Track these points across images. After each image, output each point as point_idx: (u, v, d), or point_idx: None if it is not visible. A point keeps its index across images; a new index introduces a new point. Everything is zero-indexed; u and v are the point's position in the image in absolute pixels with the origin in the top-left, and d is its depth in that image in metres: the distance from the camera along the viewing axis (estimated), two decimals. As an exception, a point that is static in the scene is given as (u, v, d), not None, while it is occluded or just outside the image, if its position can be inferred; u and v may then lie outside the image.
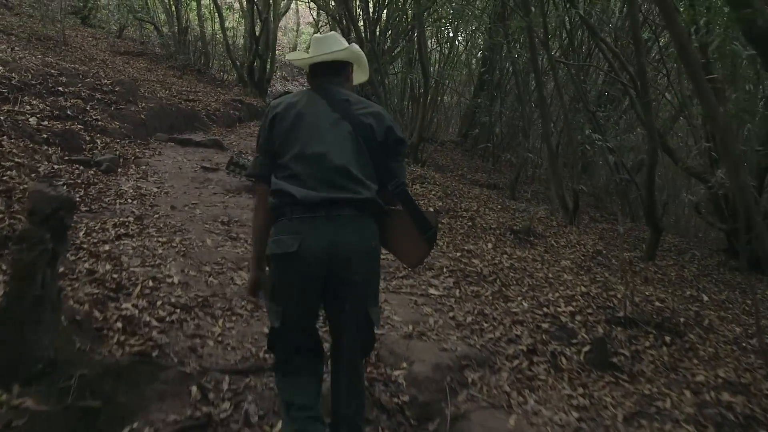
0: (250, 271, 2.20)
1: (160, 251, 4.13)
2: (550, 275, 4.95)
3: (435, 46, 15.59)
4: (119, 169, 6.42)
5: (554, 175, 8.02)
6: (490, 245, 5.92)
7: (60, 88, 7.64)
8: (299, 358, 2.08)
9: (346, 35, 16.31)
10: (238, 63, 16.40)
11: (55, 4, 17.05)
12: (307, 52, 2.21)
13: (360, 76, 2.32)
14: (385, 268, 4.39)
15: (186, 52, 15.82)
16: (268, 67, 16.21)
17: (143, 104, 8.55)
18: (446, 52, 14.92)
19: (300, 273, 1.94)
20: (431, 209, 6.78)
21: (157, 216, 4.99)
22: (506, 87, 14.04)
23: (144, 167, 6.73)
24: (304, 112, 2.03)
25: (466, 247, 5.60)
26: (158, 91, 10.62)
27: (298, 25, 27.72)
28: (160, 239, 4.38)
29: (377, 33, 16.26)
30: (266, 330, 2.90)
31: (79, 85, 7.98)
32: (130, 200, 5.32)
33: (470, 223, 6.72)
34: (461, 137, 16.03)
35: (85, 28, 16.69)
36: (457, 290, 4.24)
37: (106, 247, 3.97)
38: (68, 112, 7.17)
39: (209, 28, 17.26)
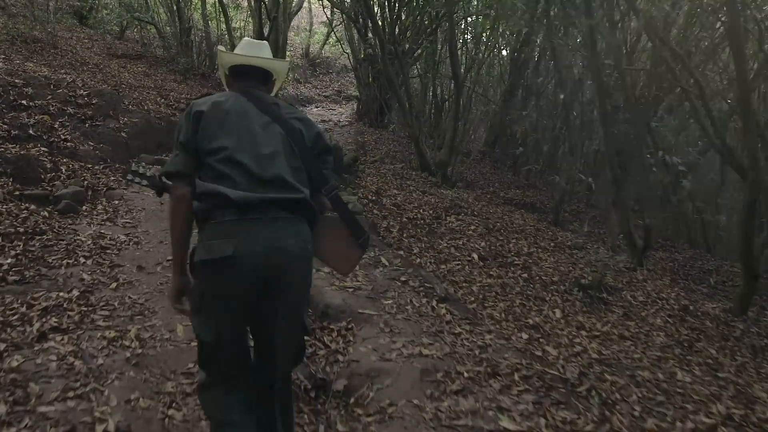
0: (172, 276, 1.94)
1: (100, 360, 2.78)
2: (661, 376, 3.52)
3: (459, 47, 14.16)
4: (83, 207, 5.10)
5: (618, 207, 6.58)
6: (558, 312, 4.52)
7: (24, 102, 6.34)
8: (235, 372, 1.93)
9: (363, 35, 15.01)
10: (245, 66, 15.05)
11: (53, 4, 15.95)
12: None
13: (276, 86, 2.22)
14: (431, 373, 3.01)
15: (189, 55, 14.54)
16: (278, 71, 14.86)
17: (125, 119, 7.24)
18: (472, 53, 13.48)
19: (235, 280, 1.78)
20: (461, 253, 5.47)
21: (114, 286, 3.65)
22: (542, 91, 12.55)
23: (116, 202, 5.41)
24: (234, 111, 1.91)
25: (530, 320, 4.20)
26: (151, 100, 9.30)
27: (311, 24, 26.42)
28: (106, 334, 3.03)
29: (396, 32, 14.95)
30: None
31: (49, 97, 6.68)
32: (83, 259, 3.98)
33: (525, 275, 5.31)
34: (488, 147, 14.59)
35: (83, 28, 15.51)
36: (543, 418, 2.84)
37: (13, 362, 2.61)
38: (30, 132, 5.87)
39: (215, 29, 15.98)
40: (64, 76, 8.16)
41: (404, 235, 5.96)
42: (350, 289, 3.86)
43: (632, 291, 5.56)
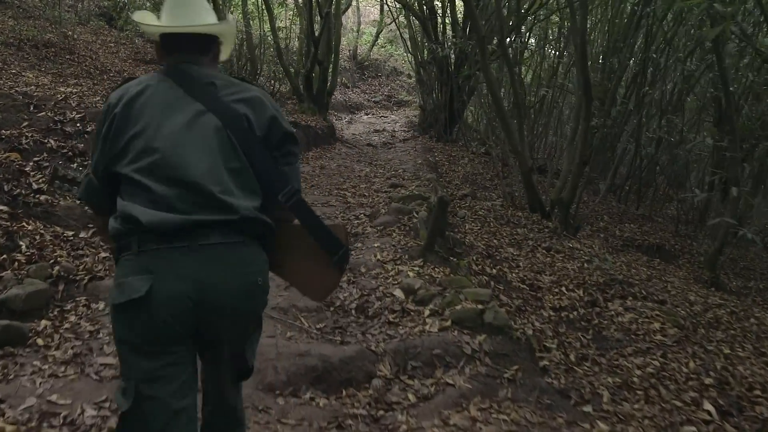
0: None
1: None
2: None
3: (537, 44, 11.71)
4: (40, 327, 2.97)
5: None
6: None
7: (-16, 133, 4.28)
8: None
9: (431, 34, 12.76)
10: (292, 71, 12.98)
11: (82, 6, 14.28)
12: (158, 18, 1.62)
13: (226, 51, 1.72)
14: None
15: (228, 58, 12.49)
16: (330, 76, 12.68)
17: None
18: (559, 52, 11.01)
19: (153, 329, 1.35)
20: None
21: None
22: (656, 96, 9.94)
23: (101, 306, 3.27)
24: (153, 104, 1.48)
25: None
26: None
27: (359, 24, 24.42)
28: None
29: (467, 30, 12.62)
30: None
31: (25, 124, 4.61)
32: None
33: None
34: (582, 164, 12.03)
35: (111, 31, 13.74)
36: None
37: None
38: (-17, 181, 3.78)
39: (257, 29, 13.96)
40: (64, 89, 6.14)
41: (569, 352, 3.63)
42: None
43: None
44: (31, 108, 4.82)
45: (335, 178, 7.87)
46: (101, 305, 3.27)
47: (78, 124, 4.84)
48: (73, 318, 3.14)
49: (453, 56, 12.24)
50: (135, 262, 1.38)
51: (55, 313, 3.19)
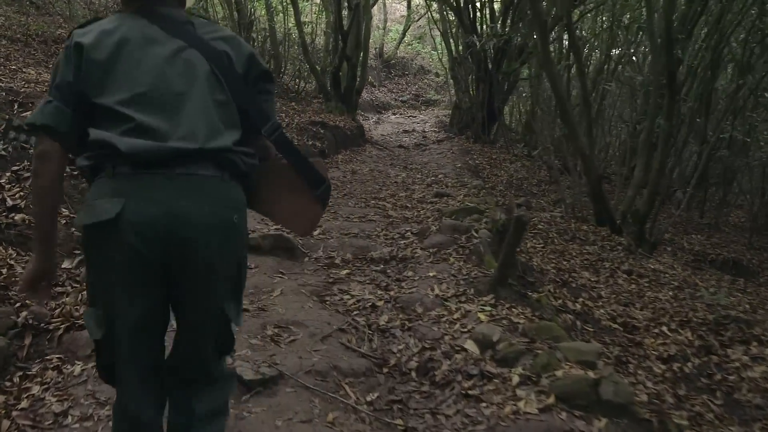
0: (32, 257, 1.49)
1: None
2: None
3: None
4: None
5: None
6: None
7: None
8: (141, 386, 1.45)
9: (467, 26, 11.80)
10: (318, 68, 12.13)
11: (99, 2, 13.68)
12: None
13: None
14: None
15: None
16: (359, 73, 11.78)
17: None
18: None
19: (124, 253, 1.32)
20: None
21: None
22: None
23: (76, 370, 2.43)
24: (129, 41, 1.42)
25: None
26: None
27: (386, 21, 23.68)
28: None
29: (509, 21, 11.63)
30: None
31: (3, 126, 3.79)
32: None
33: None
34: (660, 171, 10.89)
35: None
36: None
37: None
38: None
39: (281, 24, 13.15)
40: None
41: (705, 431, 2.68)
42: None
43: None
44: (16, 106, 4.02)
45: (369, 184, 6.99)
46: (77, 368, 2.43)
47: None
48: (36, 389, 2.30)
49: (492, 50, 11.27)
50: (108, 185, 1.34)
51: (15, 380, 2.36)
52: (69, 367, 2.45)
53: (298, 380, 2.42)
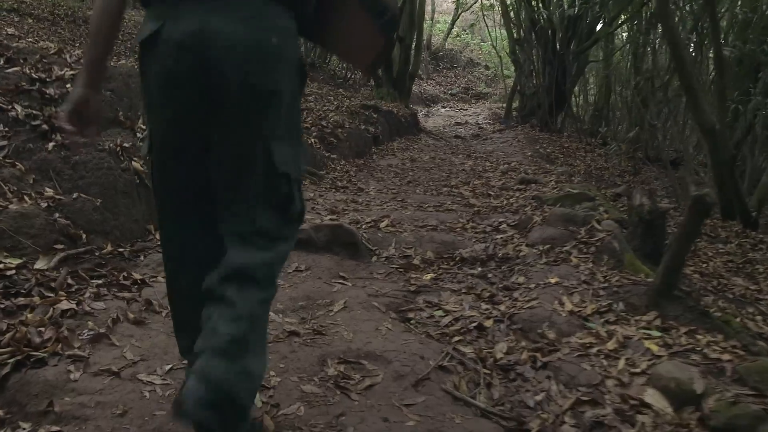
0: (74, 82, 1.42)
1: None
2: None
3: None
4: None
5: None
6: None
7: None
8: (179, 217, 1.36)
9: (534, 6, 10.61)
10: (367, 52, 11.15)
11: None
12: None
13: None
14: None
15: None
16: (413, 55, 10.71)
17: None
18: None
19: (160, 74, 1.25)
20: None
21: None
22: None
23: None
24: None
25: None
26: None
27: (433, 13, 22.68)
28: None
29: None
30: None
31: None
32: None
33: None
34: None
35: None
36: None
37: None
38: None
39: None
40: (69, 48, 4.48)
41: None
42: None
43: None
44: (1, 62, 3.14)
45: (434, 172, 5.96)
46: (24, 434, 1.46)
47: (68, 85, 3.10)
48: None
49: (562, 26, 10.07)
50: (153, 11, 1.30)
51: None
52: (10, 432, 1.48)
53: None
